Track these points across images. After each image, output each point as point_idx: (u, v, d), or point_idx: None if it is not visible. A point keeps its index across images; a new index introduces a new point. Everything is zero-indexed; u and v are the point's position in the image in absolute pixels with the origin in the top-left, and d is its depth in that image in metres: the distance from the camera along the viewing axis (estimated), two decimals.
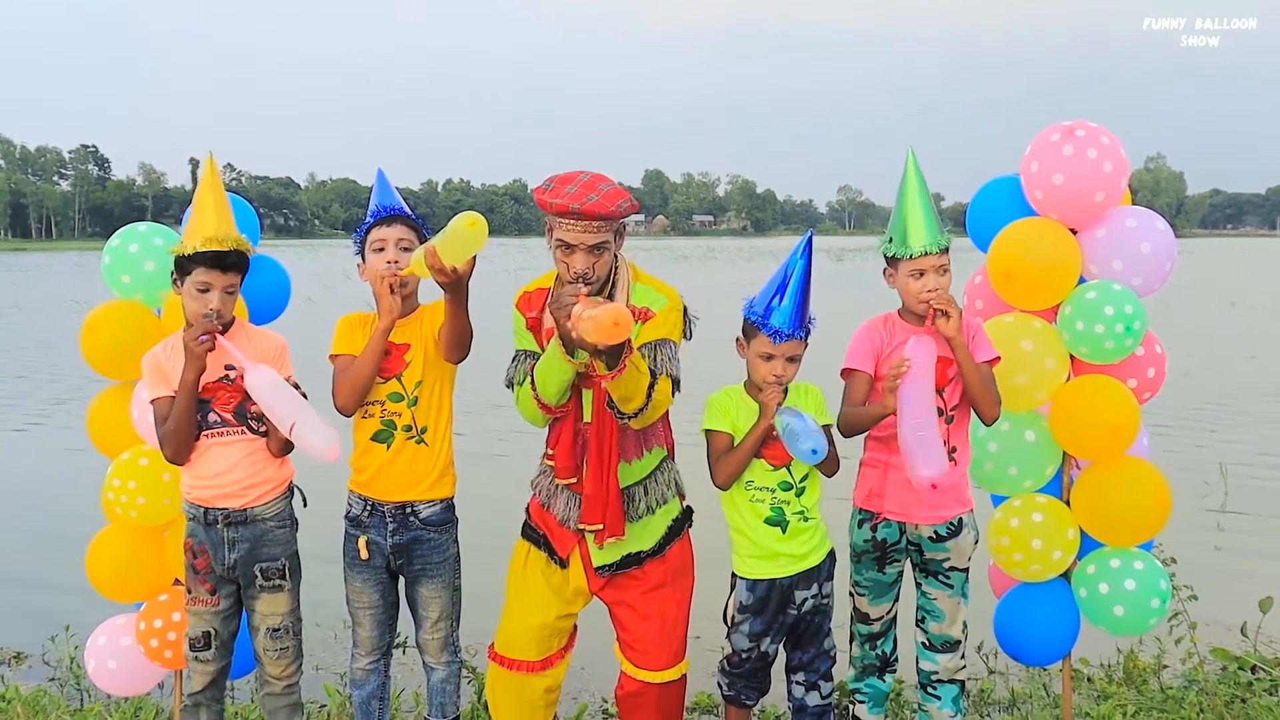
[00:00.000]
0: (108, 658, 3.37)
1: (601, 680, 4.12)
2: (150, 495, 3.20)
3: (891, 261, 3.02)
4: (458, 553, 3.16)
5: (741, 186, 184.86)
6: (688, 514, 3.09)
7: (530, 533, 3.07)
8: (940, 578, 3.08)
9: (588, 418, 2.87)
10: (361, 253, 3.07)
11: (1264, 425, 10.07)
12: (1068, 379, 3.23)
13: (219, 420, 2.92)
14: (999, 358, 3.01)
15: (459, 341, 2.94)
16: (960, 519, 3.04)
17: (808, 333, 2.96)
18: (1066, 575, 3.33)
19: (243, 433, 2.94)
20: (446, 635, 3.14)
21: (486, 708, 3.28)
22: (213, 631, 3.02)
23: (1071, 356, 3.23)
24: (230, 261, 2.85)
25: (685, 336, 2.96)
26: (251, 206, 3.32)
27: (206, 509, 2.95)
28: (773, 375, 2.94)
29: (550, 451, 2.98)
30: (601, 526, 2.87)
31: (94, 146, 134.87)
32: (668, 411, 2.97)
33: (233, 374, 2.91)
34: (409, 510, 3.03)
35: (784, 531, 2.98)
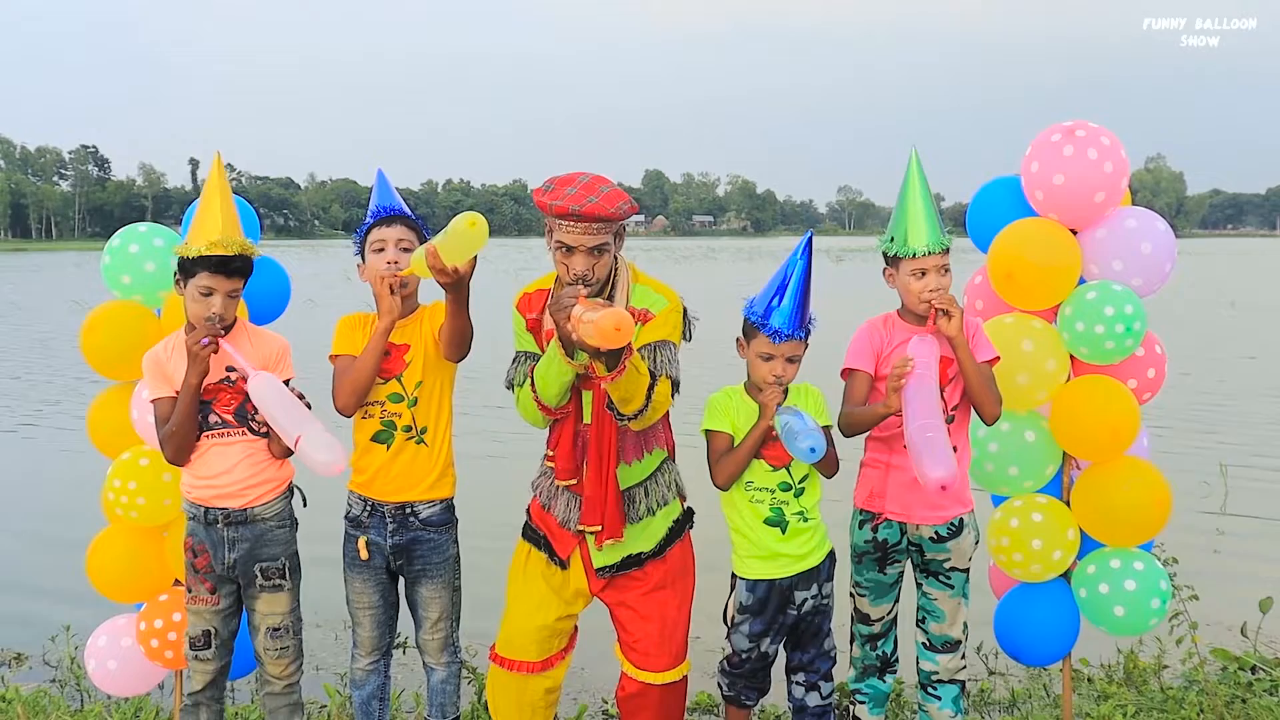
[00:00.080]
0: (108, 658, 3.37)
1: (602, 681, 4.12)
2: (150, 496, 3.20)
3: (892, 261, 3.02)
4: (458, 553, 3.16)
5: (741, 187, 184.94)
6: (689, 515, 3.09)
7: (531, 534, 3.07)
8: (941, 578, 3.07)
9: (588, 419, 2.87)
10: (361, 253, 3.07)
11: (1264, 425, 10.07)
12: (1068, 379, 3.23)
13: (220, 421, 2.92)
14: (998, 357, 3.01)
15: (460, 340, 2.94)
16: (961, 519, 3.04)
17: (808, 333, 2.96)
18: (1067, 575, 3.33)
19: (243, 434, 2.94)
20: (446, 636, 3.14)
21: (486, 708, 3.27)
22: (213, 630, 3.02)
23: (1072, 357, 3.23)
24: (235, 266, 2.85)
25: (685, 338, 2.96)
26: (251, 207, 3.32)
27: (207, 509, 2.95)
28: (772, 375, 2.94)
29: (551, 453, 2.98)
30: (601, 528, 2.88)
31: (94, 147, 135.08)
32: (668, 413, 2.97)
33: (234, 375, 2.91)
34: (409, 510, 3.03)
35: (784, 532, 2.98)
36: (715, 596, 3.17)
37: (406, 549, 3.04)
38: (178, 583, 3.26)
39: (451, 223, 2.64)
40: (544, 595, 3.02)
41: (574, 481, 2.92)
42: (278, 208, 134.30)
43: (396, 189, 3.14)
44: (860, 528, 3.09)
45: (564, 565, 2.99)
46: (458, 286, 2.77)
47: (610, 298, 2.83)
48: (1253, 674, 4.11)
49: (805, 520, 3.00)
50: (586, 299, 2.60)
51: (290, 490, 3.07)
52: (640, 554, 2.96)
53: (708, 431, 3.04)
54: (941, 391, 2.93)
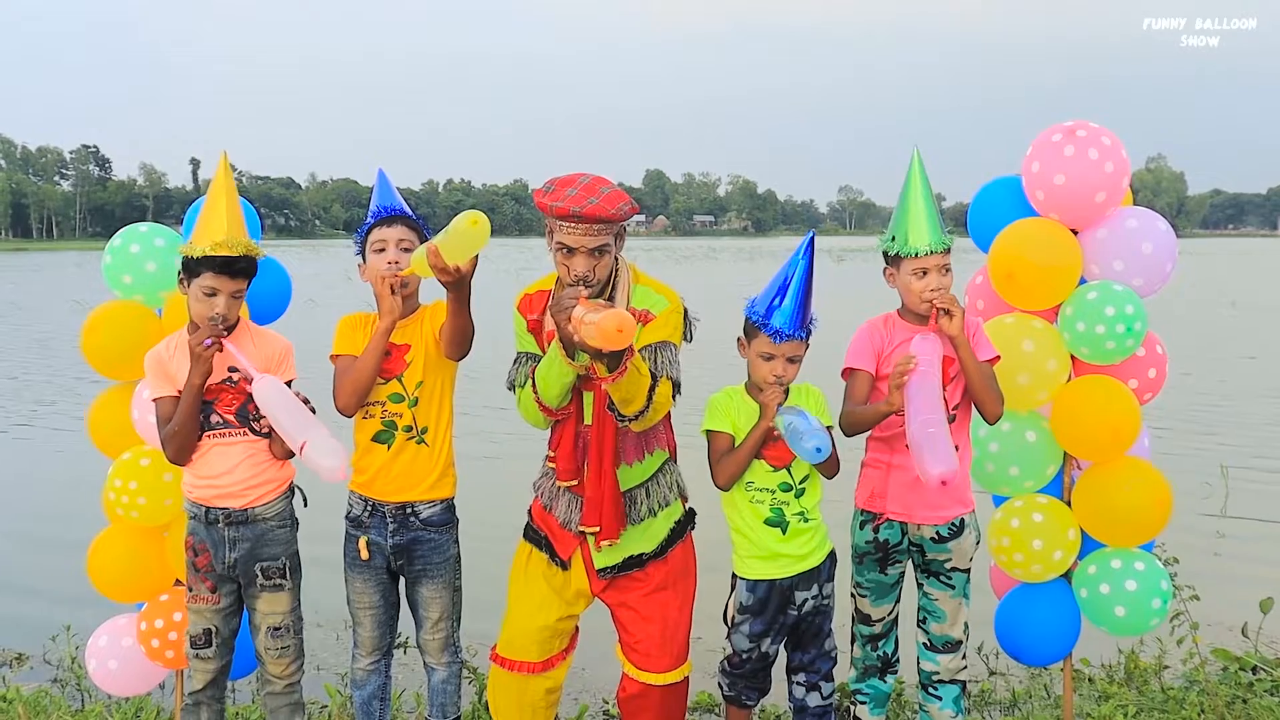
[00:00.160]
0: (109, 658, 3.37)
1: (602, 682, 4.12)
2: (151, 496, 3.20)
3: (893, 260, 3.02)
4: (458, 553, 3.16)
5: (742, 187, 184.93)
6: (690, 516, 3.09)
7: (532, 534, 3.07)
8: (942, 578, 3.07)
9: (589, 420, 2.87)
10: (362, 253, 3.07)
11: (1264, 426, 10.07)
12: (1069, 379, 3.23)
13: (222, 421, 2.92)
14: (999, 357, 3.01)
15: (461, 339, 2.94)
16: (962, 519, 3.04)
17: (809, 333, 2.96)
18: (1067, 576, 3.33)
19: (245, 434, 2.94)
20: (447, 636, 3.14)
21: (487, 709, 3.28)
22: (213, 629, 3.03)
23: (1072, 357, 3.23)
24: (239, 267, 2.85)
25: (686, 339, 2.96)
26: (253, 207, 3.32)
27: (207, 508, 2.95)
28: (773, 375, 2.94)
29: (552, 454, 2.98)
30: (600, 528, 2.87)
31: (95, 147, 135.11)
32: (669, 414, 2.97)
33: (236, 376, 2.91)
34: (409, 510, 3.03)
35: (784, 532, 2.98)
36: (716, 597, 3.17)
37: (407, 549, 3.04)
38: (178, 582, 3.26)
39: (453, 221, 2.64)
40: (545, 596, 3.02)
41: (575, 482, 2.92)
42: (278, 207, 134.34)
43: (397, 189, 3.14)
44: (861, 528, 3.09)
45: (565, 566, 2.99)
46: (459, 285, 2.77)
47: (611, 299, 2.83)
48: (1253, 674, 4.11)
49: (806, 521, 3.00)
50: (587, 300, 2.60)
51: (291, 490, 3.07)
52: (641, 555, 2.95)
53: (708, 432, 3.04)
54: (943, 391, 2.93)
